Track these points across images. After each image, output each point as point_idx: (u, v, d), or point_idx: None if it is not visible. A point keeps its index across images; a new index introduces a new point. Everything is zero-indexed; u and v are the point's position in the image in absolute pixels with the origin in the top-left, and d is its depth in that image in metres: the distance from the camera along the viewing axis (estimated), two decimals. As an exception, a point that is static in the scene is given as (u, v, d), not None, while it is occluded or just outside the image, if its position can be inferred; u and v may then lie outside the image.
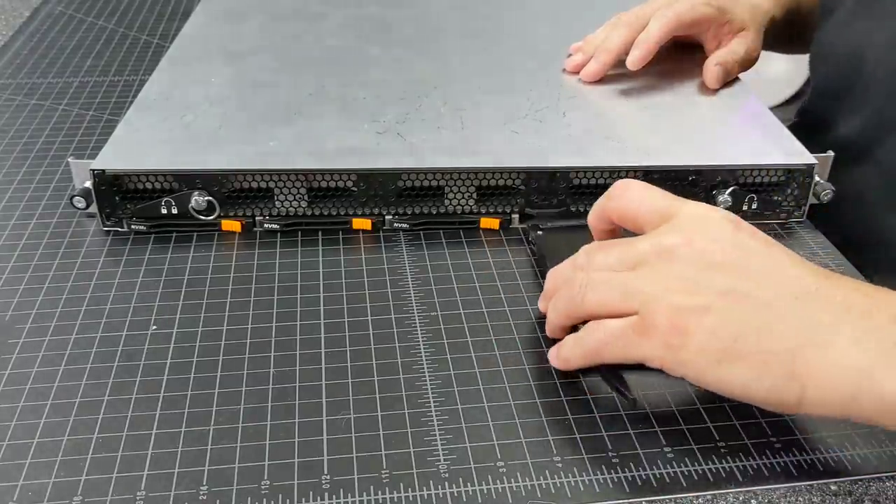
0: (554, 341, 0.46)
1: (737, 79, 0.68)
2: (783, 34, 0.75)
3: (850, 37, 0.67)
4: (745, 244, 0.40)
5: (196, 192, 0.55)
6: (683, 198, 0.43)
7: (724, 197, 0.57)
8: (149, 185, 0.56)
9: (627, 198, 0.44)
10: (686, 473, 0.40)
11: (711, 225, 0.41)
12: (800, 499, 0.39)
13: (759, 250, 0.40)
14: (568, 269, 0.45)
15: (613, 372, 0.43)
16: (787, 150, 0.58)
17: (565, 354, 0.44)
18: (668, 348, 0.39)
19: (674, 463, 0.41)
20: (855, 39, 0.66)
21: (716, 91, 0.66)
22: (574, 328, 0.44)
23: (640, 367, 0.41)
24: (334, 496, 0.39)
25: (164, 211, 0.56)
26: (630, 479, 0.40)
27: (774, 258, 0.40)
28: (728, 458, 0.41)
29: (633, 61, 0.65)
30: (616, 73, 0.68)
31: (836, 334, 0.36)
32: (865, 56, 0.65)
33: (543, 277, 0.50)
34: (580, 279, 0.43)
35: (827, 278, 0.39)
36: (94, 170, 0.55)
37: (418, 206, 0.57)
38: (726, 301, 0.38)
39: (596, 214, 0.46)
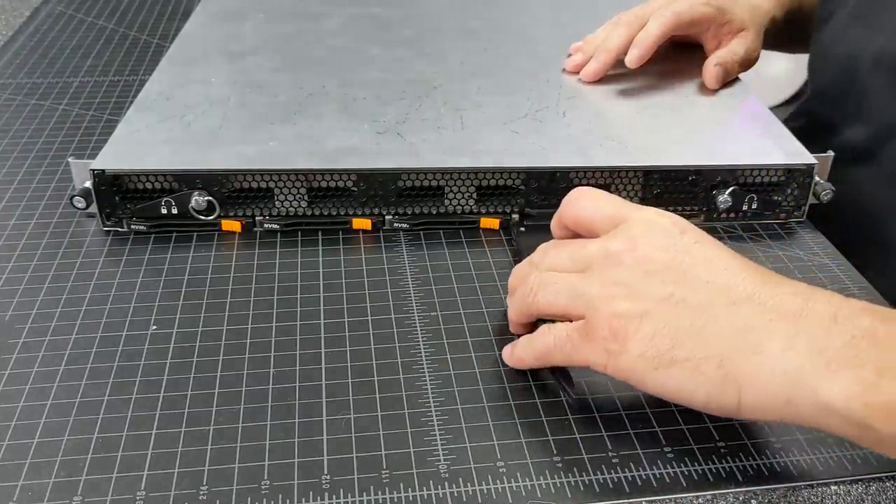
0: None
1: (737, 79, 0.68)
2: (784, 34, 0.75)
3: (846, 43, 0.67)
4: (689, 249, 0.40)
5: (196, 192, 0.55)
6: (638, 204, 0.44)
7: (724, 197, 0.57)
8: (149, 185, 0.56)
9: (580, 206, 0.45)
10: (686, 473, 0.40)
11: (657, 230, 0.41)
12: (800, 499, 0.39)
13: (701, 255, 0.40)
14: (525, 267, 0.46)
15: (561, 370, 0.44)
16: (787, 150, 0.58)
17: (519, 354, 0.45)
18: (609, 354, 0.39)
19: (674, 463, 0.41)
20: (851, 46, 0.66)
21: (716, 91, 0.66)
22: (535, 324, 0.44)
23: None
24: (334, 496, 0.39)
25: (164, 211, 0.56)
26: (630, 479, 0.40)
27: (716, 264, 0.40)
28: (728, 458, 0.41)
29: (632, 60, 0.66)
30: (616, 73, 0.68)
31: (767, 339, 0.36)
32: (861, 62, 0.65)
33: None
34: (532, 279, 0.43)
35: (765, 282, 0.38)
36: (94, 170, 0.55)
37: (418, 206, 0.57)
38: (664, 307, 0.39)
39: (555, 222, 0.47)
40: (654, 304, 0.39)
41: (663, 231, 0.41)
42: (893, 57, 0.62)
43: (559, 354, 0.42)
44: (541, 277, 0.43)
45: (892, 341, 0.35)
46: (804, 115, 0.76)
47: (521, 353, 0.44)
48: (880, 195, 0.64)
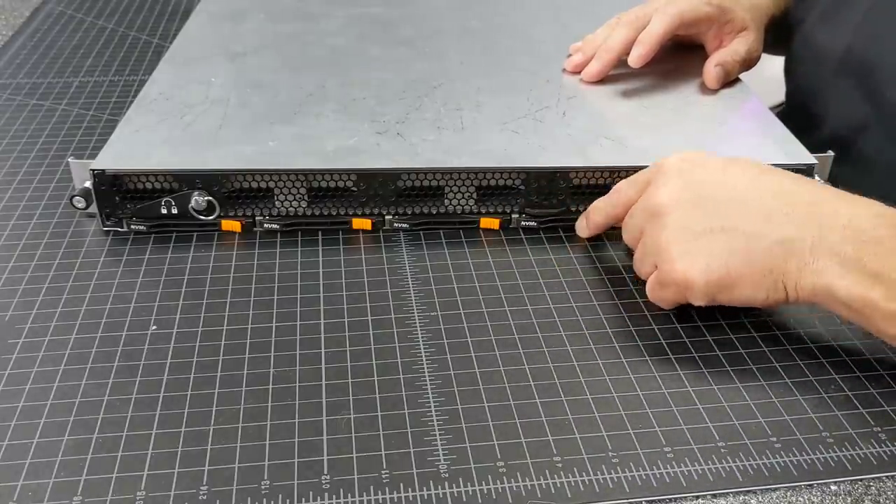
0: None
1: (737, 79, 0.68)
2: (780, 33, 0.75)
3: (814, 44, 0.68)
4: (706, 180, 0.48)
5: (196, 192, 0.55)
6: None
7: (724, 197, 0.57)
8: (149, 185, 0.56)
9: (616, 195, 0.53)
10: (686, 473, 0.40)
11: (672, 177, 0.49)
12: (800, 499, 0.39)
13: (721, 179, 0.48)
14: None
15: None
16: (788, 150, 0.58)
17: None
18: (685, 290, 0.47)
19: (674, 463, 0.41)
20: (819, 47, 0.67)
21: (716, 91, 0.66)
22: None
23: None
24: (334, 496, 0.39)
25: (164, 211, 0.56)
26: (630, 479, 0.40)
27: (735, 185, 0.47)
28: (728, 458, 0.41)
29: (635, 59, 0.66)
30: (616, 73, 0.68)
31: (797, 248, 0.43)
32: (828, 63, 0.66)
33: None
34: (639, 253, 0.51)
35: (778, 190, 0.46)
36: (94, 170, 0.55)
37: (418, 206, 0.57)
38: (711, 239, 0.46)
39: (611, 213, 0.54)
40: (700, 239, 0.46)
41: (675, 171, 0.49)
42: (857, 58, 0.63)
43: (659, 299, 0.49)
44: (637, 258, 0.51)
45: (890, 247, 0.42)
46: (782, 116, 0.76)
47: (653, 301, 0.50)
48: (857, 188, 0.64)
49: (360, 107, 0.63)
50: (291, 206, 0.57)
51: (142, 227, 0.57)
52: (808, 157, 0.57)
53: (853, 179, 0.64)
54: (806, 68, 0.70)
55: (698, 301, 0.46)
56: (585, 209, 0.57)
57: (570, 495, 0.39)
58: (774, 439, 0.42)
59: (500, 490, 0.39)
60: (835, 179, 0.60)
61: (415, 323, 0.49)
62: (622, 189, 0.53)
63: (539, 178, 0.56)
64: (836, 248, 0.42)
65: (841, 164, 0.62)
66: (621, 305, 0.51)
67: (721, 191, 0.47)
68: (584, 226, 0.56)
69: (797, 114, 0.72)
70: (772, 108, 0.65)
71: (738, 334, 0.49)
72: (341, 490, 0.39)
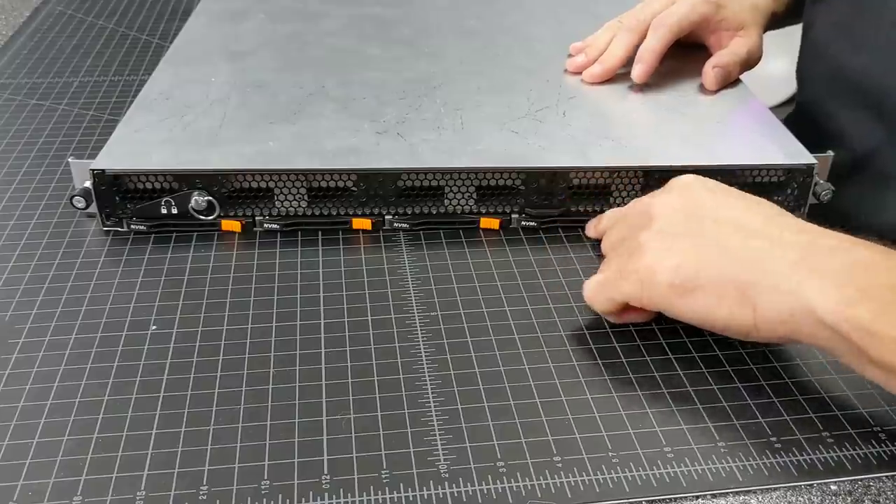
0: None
1: (737, 79, 0.68)
2: (786, 23, 0.74)
3: (829, 59, 0.66)
4: (704, 197, 0.47)
5: (196, 192, 0.55)
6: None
7: (724, 197, 0.57)
8: (149, 185, 0.56)
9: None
10: (686, 473, 0.40)
11: (676, 188, 0.49)
12: (800, 499, 0.39)
13: (714, 202, 0.46)
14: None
15: None
16: (787, 150, 0.58)
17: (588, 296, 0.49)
18: (642, 286, 0.45)
19: (674, 463, 0.41)
20: (833, 63, 0.66)
21: (716, 91, 0.66)
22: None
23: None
24: (334, 496, 0.39)
25: (164, 211, 0.56)
26: (630, 479, 0.40)
27: (729, 205, 0.46)
28: (728, 458, 0.41)
29: (637, 75, 0.66)
30: (617, 74, 0.68)
31: (776, 263, 0.41)
32: (843, 85, 0.65)
33: None
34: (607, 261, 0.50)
35: (771, 219, 0.44)
36: (94, 170, 0.55)
37: (418, 206, 0.57)
38: (685, 242, 0.44)
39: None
40: (677, 241, 0.45)
41: (681, 186, 0.48)
42: (876, 82, 0.62)
43: (608, 291, 0.47)
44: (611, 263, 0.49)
45: (883, 269, 0.39)
46: (792, 126, 0.75)
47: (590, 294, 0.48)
48: (878, 204, 0.64)
49: (360, 107, 0.63)
50: (291, 206, 0.57)
51: (142, 227, 0.57)
52: (807, 157, 0.57)
53: (873, 195, 0.64)
54: (819, 80, 0.68)
55: (653, 302, 0.44)
56: (585, 209, 0.57)
57: (570, 495, 0.39)
58: (774, 439, 0.42)
59: (500, 490, 0.39)
60: (856, 196, 0.60)
61: (415, 323, 0.49)
62: (636, 203, 0.51)
63: (539, 178, 0.56)
64: (821, 265, 0.40)
65: (859, 182, 0.62)
66: (621, 305, 0.51)
67: (718, 212, 0.45)
68: (593, 226, 0.56)
69: (809, 128, 0.70)
70: (772, 108, 0.65)
71: (738, 334, 0.49)
72: (341, 490, 0.39)
